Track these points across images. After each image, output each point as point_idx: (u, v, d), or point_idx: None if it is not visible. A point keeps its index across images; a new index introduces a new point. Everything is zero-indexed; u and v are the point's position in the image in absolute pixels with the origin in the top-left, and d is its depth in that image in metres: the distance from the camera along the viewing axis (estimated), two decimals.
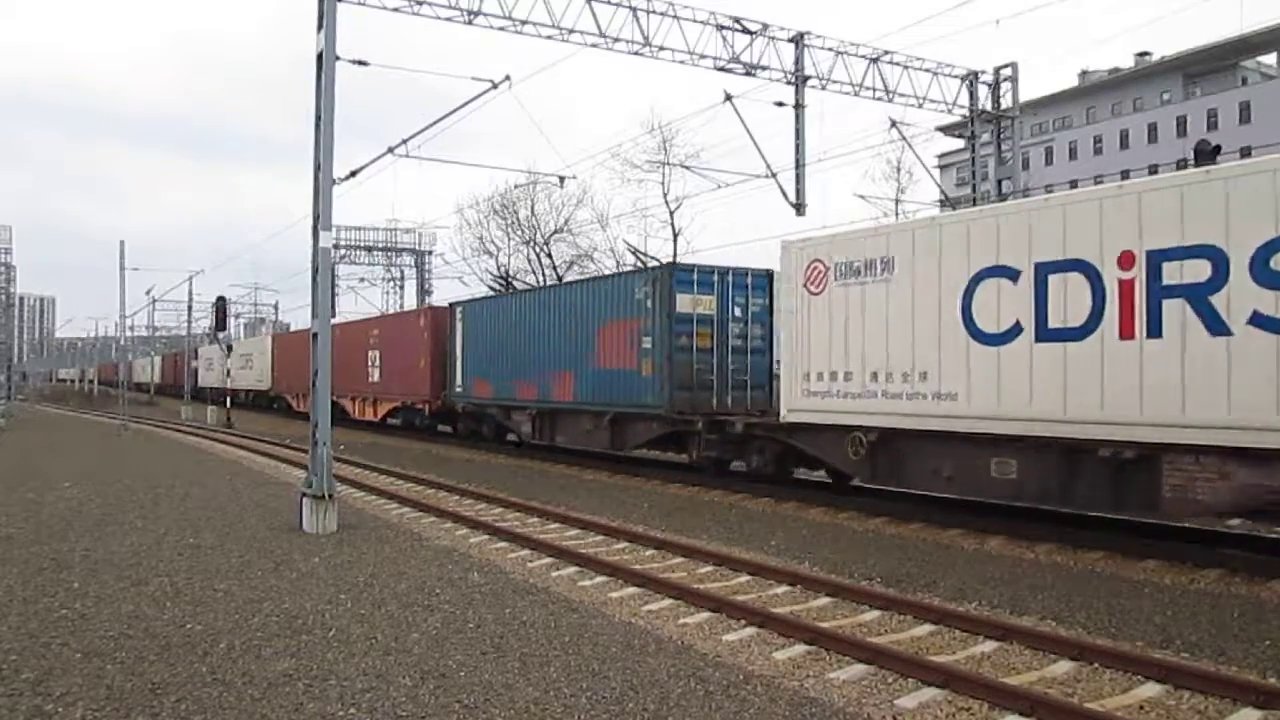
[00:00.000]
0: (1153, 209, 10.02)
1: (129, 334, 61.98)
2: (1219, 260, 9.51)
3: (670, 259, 35.43)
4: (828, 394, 13.67)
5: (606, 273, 20.58)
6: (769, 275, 18.22)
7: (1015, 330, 11.22)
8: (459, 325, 25.87)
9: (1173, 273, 9.78)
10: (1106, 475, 10.56)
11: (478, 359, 24.65)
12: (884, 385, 12.85)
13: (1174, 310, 9.81)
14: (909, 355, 12.50)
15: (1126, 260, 10.16)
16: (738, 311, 17.97)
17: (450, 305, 27.27)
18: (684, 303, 17.59)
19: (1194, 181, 9.89)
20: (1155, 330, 9.91)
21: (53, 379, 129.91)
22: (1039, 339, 10.96)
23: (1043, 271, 10.94)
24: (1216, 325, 9.49)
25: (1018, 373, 11.15)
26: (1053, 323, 10.83)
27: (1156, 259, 9.90)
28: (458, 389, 25.79)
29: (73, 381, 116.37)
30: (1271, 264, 9.29)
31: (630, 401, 18.55)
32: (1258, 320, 9.24)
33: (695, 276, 17.86)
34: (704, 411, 17.18)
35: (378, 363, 31.56)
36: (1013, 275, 11.26)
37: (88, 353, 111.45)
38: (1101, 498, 10.93)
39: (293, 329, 62.25)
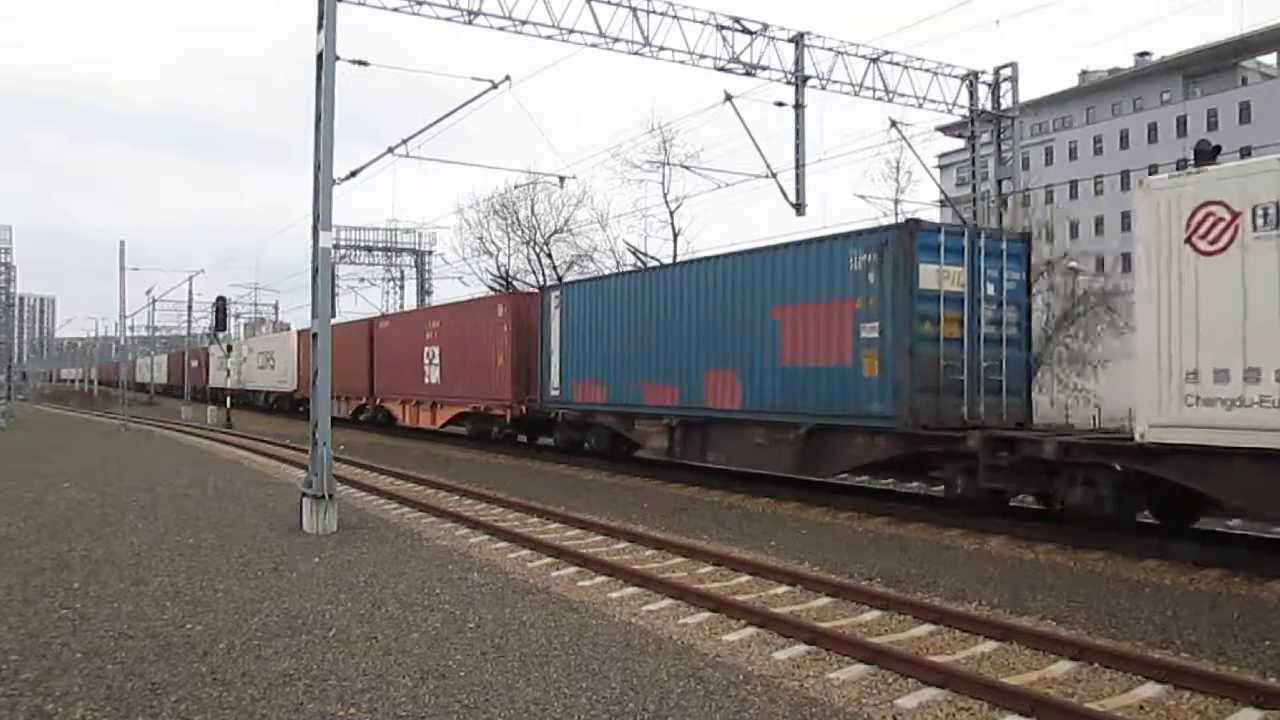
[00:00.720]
0: None
1: (129, 334, 62.01)
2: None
3: (671, 259, 35.44)
4: (1240, 402, 9.37)
5: (788, 239, 15.51)
6: (1025, 239, 15.09)
7: None
8: (555, 314, 21.32)
9: None
10: None
11: (583, 355, 20.36)
12: None
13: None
14: None
15: None
16: (990, 289, 13.83)
17: (543, 289, 23.38)
18: (928, 275, 13.26)
19: None
20: None
21: (53, 379, 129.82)
22: None
23: None
24: None
25: None
26: None
27: None
28: (553, 392, 21.40)
29: (73, 382, 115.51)
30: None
31: (840, 410, 13.99)
32: None
33: (942, 240, 13.51)
34: (951, 424, 13.14)
35: (436, 360, 27.33)
36: None
37: (89, 353, 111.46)
38: None
39: (293, 329, 61.95)
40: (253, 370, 49.20)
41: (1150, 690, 6.37)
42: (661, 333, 17.82)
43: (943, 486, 13.70)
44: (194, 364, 59.84)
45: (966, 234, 13.86)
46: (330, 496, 12.53)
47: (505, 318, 23.83)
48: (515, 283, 45.50)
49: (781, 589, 9.45)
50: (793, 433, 14.81)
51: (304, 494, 12.66)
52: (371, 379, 32.44)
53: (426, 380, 27.85)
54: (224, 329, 47.03)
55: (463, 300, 31.59)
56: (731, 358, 16.05)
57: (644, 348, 18.31)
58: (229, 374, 50.73)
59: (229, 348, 51.93)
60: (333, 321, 43.24)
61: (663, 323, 17.82)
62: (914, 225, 13.70)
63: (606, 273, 21.08)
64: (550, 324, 21.49)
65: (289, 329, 66.16)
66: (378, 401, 32.06)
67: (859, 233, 14.64)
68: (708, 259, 18.02)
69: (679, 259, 18.45)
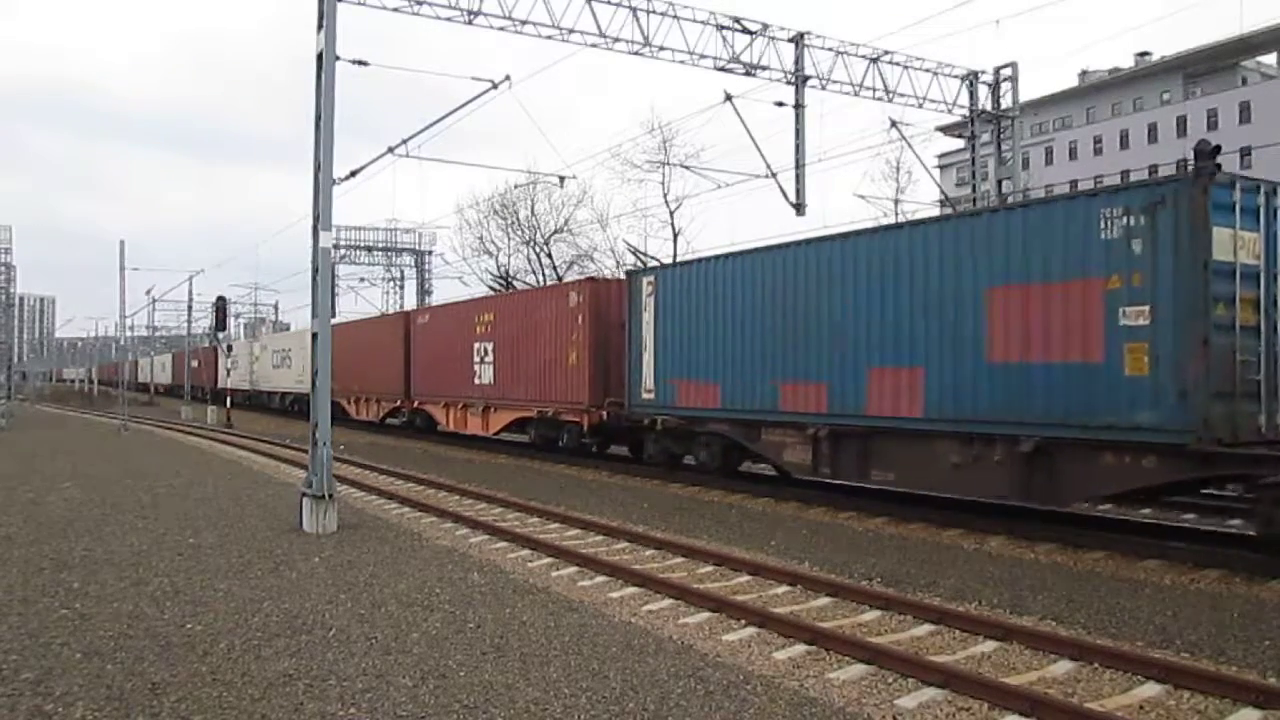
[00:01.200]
0: None
1: (129, 334, 61.92)
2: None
3: (671, 259, 35.43)
4: None
5: (1023, 199, 13.66)
6: None
7: None
8: (648, 302, 17.95)
9: None
10: None
11: (688, 350, 17.08)
12: None
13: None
14: None
15: None
16: None
17: (630, 274, 19.32)
18: (1222, 243, 10.18)
19: None
20: None
21: (53, 379, 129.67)
22: None
23: None
24: None
25: None
26: None
27: None
28: (644, 395, 18.09)
29: (75, 382, 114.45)
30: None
31: (1084, 420, 10.89)
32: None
33: (1238, 196, 10.32)
34: (1247, 437, 10.17)
35: (489, 358, 23.97)
36: None
37: (89, 353, 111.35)
38: None
39: (293, 328, 61.50)
40: (267, 370, 46.06)
41: (1150, 690, 6.37)
42: (804, 322, 14.57)
43: (1247, 520, 11.31)
44: (194, 363, 58.54)
45: (1261, 189, 10.63)
46: (330, 496, 12.53)
47: (580, 308, 20.32)
48: (515, 282, 45.51)
49: (781, 589, 9.45)
50: (1009, 449, 11.66)
51: (304, 494, 12.66)
52: (408, 379, 29.05)
53: (477, 380, 24.43)
54: (224, 329, 47.00)
55: (523, 290, 28.40)
56: (911, 352, 12.91)
57: (778, 340, 15.06)
58: (228, 373, 49.97)
59: (229, 347, 51.81)
60: (357, 318, 34.95)
61: (806, 310, 14.56)
62: (1208, 173, 10.16)
63: (714, 253, 16.90)
64: (640, 314, 18.14)
65: (291, 326, 65.89)
66: (415, 404, 28.77)
67: (1114, 189, 11.48)
68: (877, 230, 15.12)
69: (838, 231, 14.88)
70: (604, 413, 19.65)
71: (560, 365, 20.83)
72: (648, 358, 18.07)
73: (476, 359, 24.46)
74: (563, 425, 21.39)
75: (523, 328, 22.51)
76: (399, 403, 30.06)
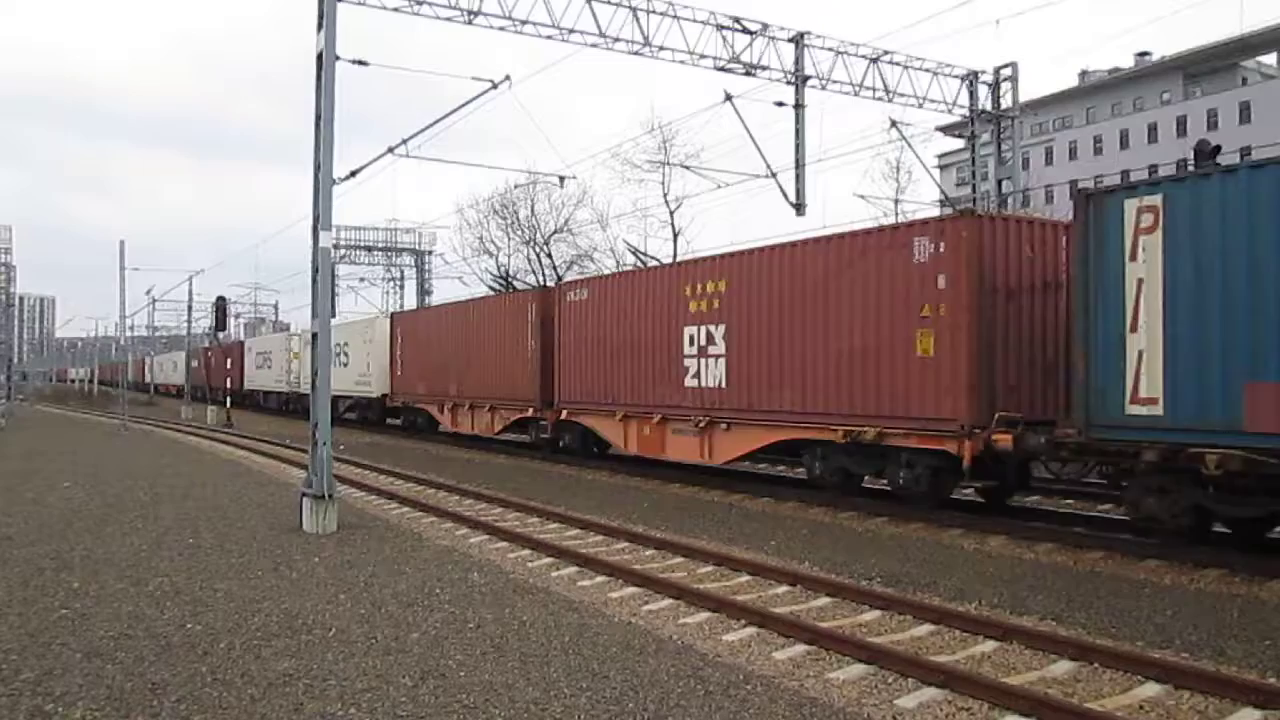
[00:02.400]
0: None
1: (129, 334, 61.80)
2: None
3: (671, 258, 35.44)
4: None
5: None
6: None
7: None
8: (1143, 239, 10.19)
9: None
10: None
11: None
12: None
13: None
14: None
15: None
16: None
17: (1094, 195, 10.88)
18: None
19: None
20: None
21: (59, 379, 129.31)
22: None
23: None
24: None
25: None
26: None
27: None
28: (1135, 406, 10.26)
29: (79, 382, 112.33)
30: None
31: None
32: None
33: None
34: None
35: (716, 347, 16.57)
36: None
37: (91, 352, 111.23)
38: None
39: (293, 328, 60.79)
40: (310, 369, 43.46)
41: (1150, 690, 6.37)
42: None
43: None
44: (210, 362, 54.36)
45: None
46: (330, 496, 12.53)
47: (941, 261, 12.79)
48: (515, 282, 45.52)
49: (781, 589, 9.45)
50: None
51: (304, 494, 12.66)
52: (548, 379, 21.45)
53: (691, 382, 17.02)
54: (224, 329, 46.97)
55: (792, 240, 16.03)
56: None
57: None
58: (242, 374, 47.91)
59: (218, 344, 51.72)
60: (464, 299, 32.24)
61: None
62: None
63: None
64: (1112, 261, 10.41)
65: (282, 326, 64.32)
66: (561, 414, 21.03)
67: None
68: None
69: None
70: (999, 437, 11.93)
71: (889, 356, 13.36)
72: (1142, 340, 10.14)
73: (691, 350, 17.02)
74: (896, 455, 13.55)
75: (795, 299, 15.00)
76: (530, 411, 22.31)
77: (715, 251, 18.20)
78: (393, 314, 35.10)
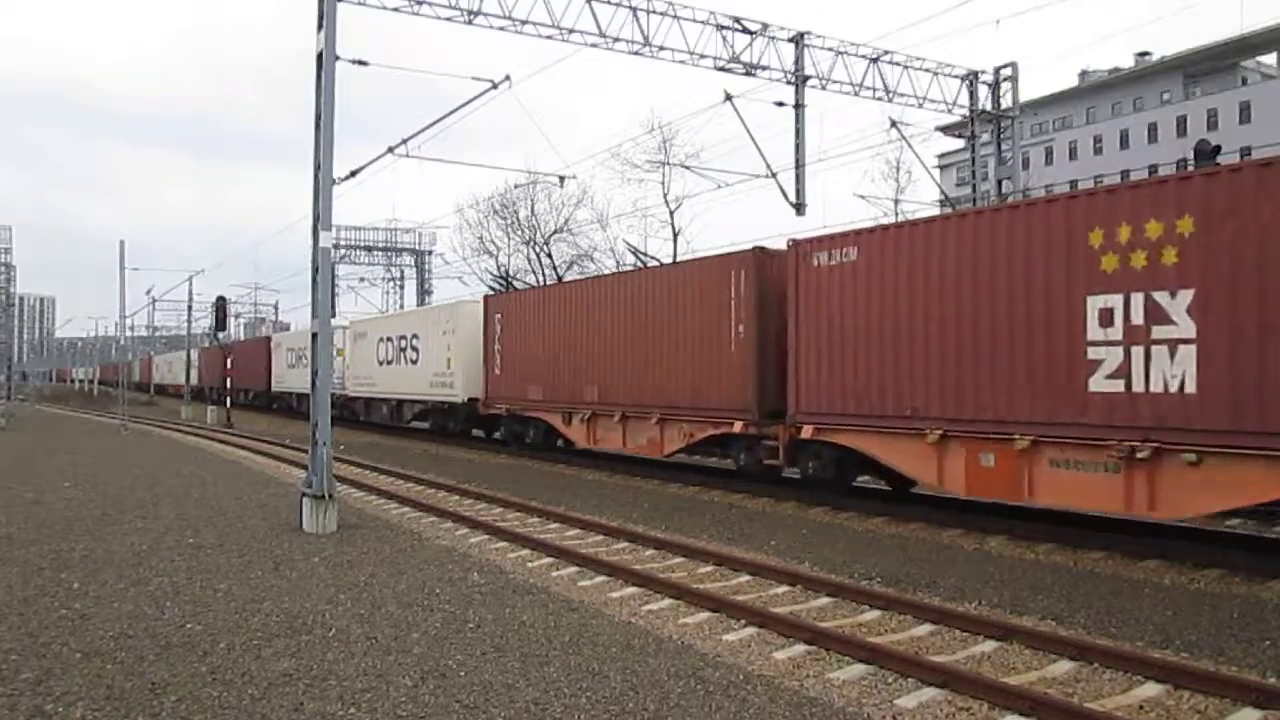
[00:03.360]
0: None
1: (129, 334, 61.74)
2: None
3: (671, 258, 35.43)
4: None
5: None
6: None
7: None
8: None
9: None
10: None
11: None
12: None
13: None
14: None
15: None
16: None
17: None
18: None
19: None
20: None
21: (62, 379, 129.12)
22: None
23: None
24: None
25: None
26: None
27: None
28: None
29: (82, 383, 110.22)
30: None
31: None
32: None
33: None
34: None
35: (1181, 323, 9.98)
36: None
37: (94, 352, 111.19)
38: None
39: (293, 328, 60.17)
40: (369, 367, 32.66)
41: (1150, 690, 6.37)
42: None
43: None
44: (233, 361, 47.89)
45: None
46: (330, 496, 12.53)
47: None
48: (515, 282, 45.51)
49: (781, 589, 9.45)
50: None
51: (304, 494, 12.66)
52: (771, 379, 15.41)
53: (1106, 383, 10.64)
54: (224, 329, 46.95)
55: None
56: None
57: None
58: (270, 374, 43.98)
59: (231, 341, 51.38)
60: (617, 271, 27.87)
61: None
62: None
63: None
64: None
65: (283, 327, 62.75)
66: (803, 431, 14.68)
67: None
68: None
69: None
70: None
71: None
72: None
73: (1102, 332, 10.64)
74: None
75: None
76: (739, 426, 15.91)
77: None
78: (487, 297, 27.09)
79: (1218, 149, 10.52)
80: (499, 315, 23.83)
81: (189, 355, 57.10)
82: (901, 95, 21.87)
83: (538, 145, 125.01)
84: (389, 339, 31.21)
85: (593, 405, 19.75)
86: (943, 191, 34.51)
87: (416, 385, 28.24)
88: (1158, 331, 10.14)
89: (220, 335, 50.13)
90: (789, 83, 20.78)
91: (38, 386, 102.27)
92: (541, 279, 44.40)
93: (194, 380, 57.11)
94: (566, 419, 20.68)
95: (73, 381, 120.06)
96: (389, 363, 31.05)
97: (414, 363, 28.65)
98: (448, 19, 17.73)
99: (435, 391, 27.26)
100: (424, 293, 53.44)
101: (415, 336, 28.99)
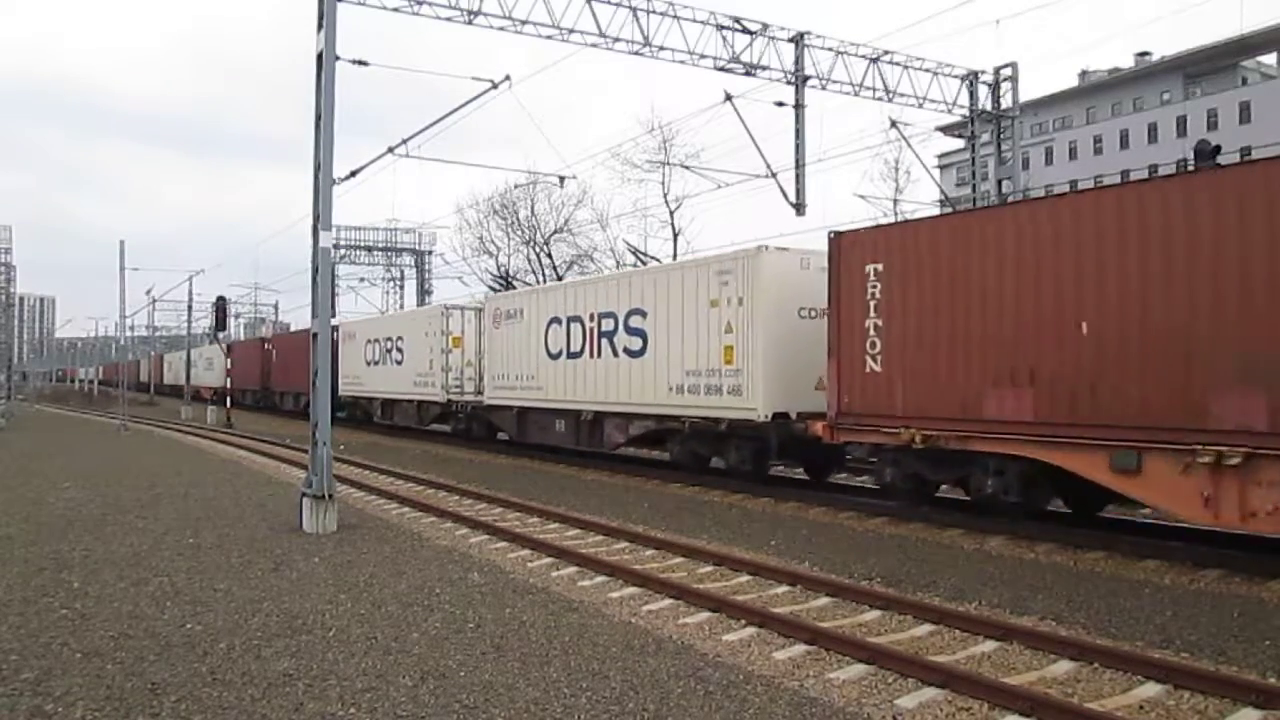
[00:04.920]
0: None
1: (129, 334, 61.65)
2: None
3: (671, 258, 35.43)
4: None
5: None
6: None
7: None
8: None
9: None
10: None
11: None
12: None
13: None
14: None
15: None
16: None
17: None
18: None
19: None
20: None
21: (66, 379, 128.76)
22: None
23: None
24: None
25: None
26: None
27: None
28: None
29: (86, 383, 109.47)
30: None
31: None
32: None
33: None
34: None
35: None
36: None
37: (96, 353, 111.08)
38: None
39: (292, 328, 59.14)
40: (523, 358, 22.19)
41: (1150, 690, 6.37)
42: None
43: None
44: (279, 356, 40.76)
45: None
46: (330, 496, 12.53)
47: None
48: (515, 282, 45.54)
49: (781, 589, 9.45)
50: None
51: (304, 494, 12.66)
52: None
53: None
54: (224, 329, 46.92)
55: None
56: None
57: None
58: (337, 373, 30.89)
59: (230, 348, 50.77)
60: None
61: None
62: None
63: None
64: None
65: (284, 327, 60.72)
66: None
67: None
68: None
69: None
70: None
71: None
72: None
73: None
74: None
75: None
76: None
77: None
78: (845, 235, 13.93)
79: (1218, 149, 10.51)
80: (872, 266, 13.12)
81: (188, 355, 56.59)
82: (901, 95, 21.87)
83: (538, 145, 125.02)
84: (580, 317, 19.85)
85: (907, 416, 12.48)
86: (943, 191, 34.54)
87: (646, 390, 17.75)
88: None
89: (220, 335, 50.00)
90: (789, 83, 20.78)
91: (38, 386, 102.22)
92: (541, 279, 44.40)
93: (214, 382, 49.77)
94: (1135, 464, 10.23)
95: (76, 381, 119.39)
96: (576, 354, 19.91)
97: (636, 354, 17.97)
98: (448, 19, 17.74)
99: (703, 403, 16.34)
100: (424, 293, 53.45)
101: (636, 313, 18.04)
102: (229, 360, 45.65)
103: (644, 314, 17.89)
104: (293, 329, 59.73)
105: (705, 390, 16.31)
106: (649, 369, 17.74)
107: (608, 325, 19.05)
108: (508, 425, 23.41)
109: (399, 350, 29.68)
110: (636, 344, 18.15)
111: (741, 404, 15.49)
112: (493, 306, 24.27)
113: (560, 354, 20.62)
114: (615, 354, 18.81)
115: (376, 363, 31.59)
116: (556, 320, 20.84)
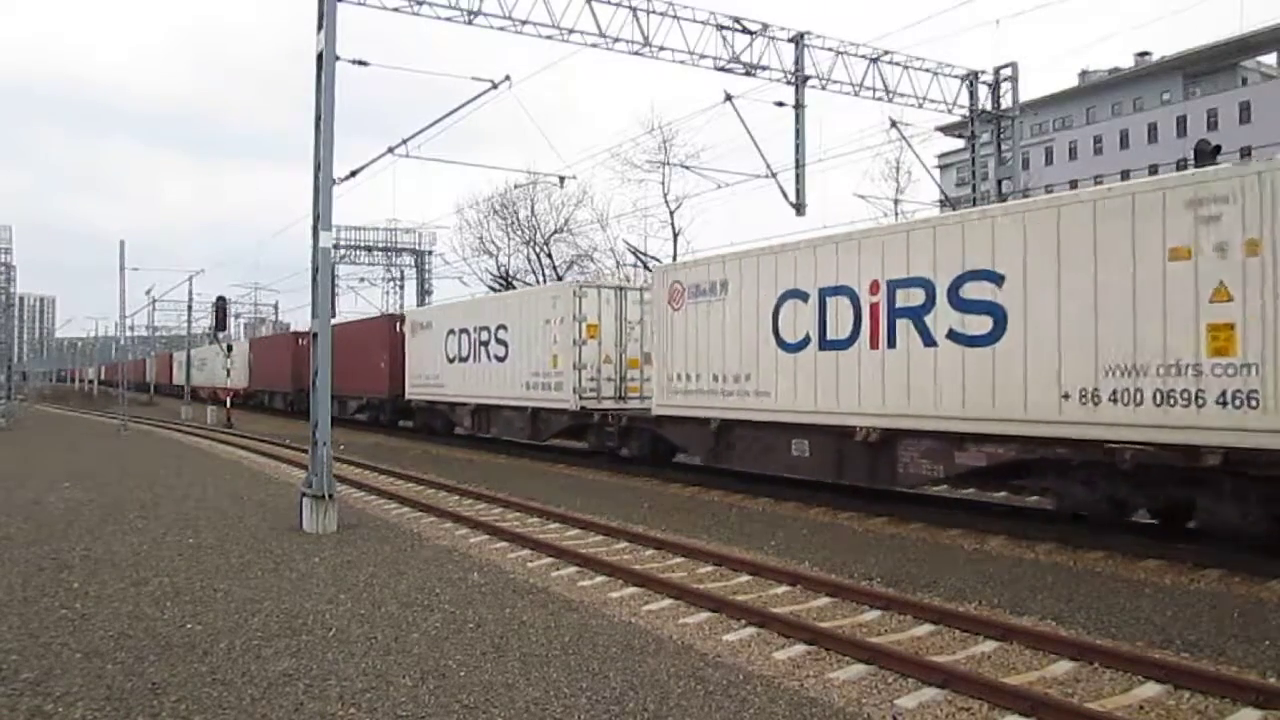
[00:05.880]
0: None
1: (129, 334, 61.60)
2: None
3: (671, 258, 35.44)
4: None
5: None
6: None
7: None
8: None
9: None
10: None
11: None
12: None
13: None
14: None
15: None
16: None
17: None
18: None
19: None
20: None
21: (69, 379, 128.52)
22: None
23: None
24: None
25: None
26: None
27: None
28: None
29: (90, 383, 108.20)
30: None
31: None
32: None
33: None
34: None
35: None
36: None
37: (97, 352, 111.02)
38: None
39: (292, 328, 58.76)
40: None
41: (1150, 690, 6.37)
42: None
43: None
44: (354, 348, 30.01)
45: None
46: (330, 496, 12.53)
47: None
48: (516, 282, 45.54)
49: (781, 589, 9.45)
50: None
51: (304, 494, 12.66)
52: None
53: None
54: (224, 329, 46.91)
55: None
56: None
57: None
58: (404, 372, 27.83)
59: (230, 347, 50.70)
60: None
61: None
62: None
63: None
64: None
65: (288, 326, 59.45)
66: None
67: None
68: None
69: None
70: None
71: None
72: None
73: None
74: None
75: None
76: None
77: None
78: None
79: (1217, 149, 10.53)
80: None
81: (188, 355, 56.42)
82: (901, 95, 21.86)
83: (538, 145, 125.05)
84: (849, 288, 13.48)
85: None
86: (943, 191, 34.52)
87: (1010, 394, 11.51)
88: None
89: (220, 335, 49.94)
90: (789, 83, 20.77)
91: (38, 387, 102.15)
92: (541, 279, 44.40)
93: (230, 382, 46.24)
94: None
95: (81, 381, 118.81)
96: (838, 343, 13.64)
97: (980, 340, 11.70)
98: (448, 19, 17.73)
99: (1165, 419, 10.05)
100: (424, 293, 53.45)
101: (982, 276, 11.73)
102: (250, 356, 42.30)
103: (998, 279, 11.47)
104: (293, 328, 58.75)
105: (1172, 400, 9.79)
106: (1014, 360, 11.28)
107: (916, 298, 12.38)
108: (697, 443, 17.15)
109: (499, 342, 23.35)
110: (982, 324, 11.63)
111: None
112: (670, 280, 17.22)
113: (802, 342, 14.27)
114: (930, 340, 12.23)
115: (464, 359, 25.19)
116: (796, 295, 14.36)
